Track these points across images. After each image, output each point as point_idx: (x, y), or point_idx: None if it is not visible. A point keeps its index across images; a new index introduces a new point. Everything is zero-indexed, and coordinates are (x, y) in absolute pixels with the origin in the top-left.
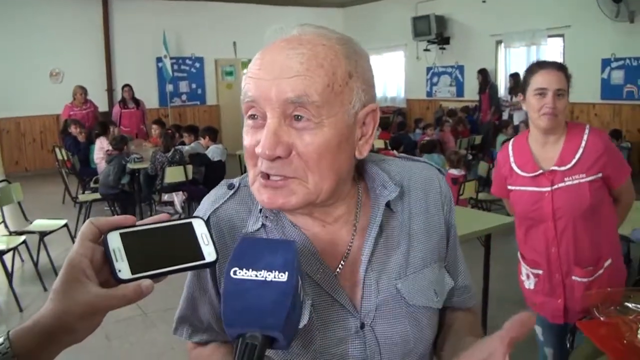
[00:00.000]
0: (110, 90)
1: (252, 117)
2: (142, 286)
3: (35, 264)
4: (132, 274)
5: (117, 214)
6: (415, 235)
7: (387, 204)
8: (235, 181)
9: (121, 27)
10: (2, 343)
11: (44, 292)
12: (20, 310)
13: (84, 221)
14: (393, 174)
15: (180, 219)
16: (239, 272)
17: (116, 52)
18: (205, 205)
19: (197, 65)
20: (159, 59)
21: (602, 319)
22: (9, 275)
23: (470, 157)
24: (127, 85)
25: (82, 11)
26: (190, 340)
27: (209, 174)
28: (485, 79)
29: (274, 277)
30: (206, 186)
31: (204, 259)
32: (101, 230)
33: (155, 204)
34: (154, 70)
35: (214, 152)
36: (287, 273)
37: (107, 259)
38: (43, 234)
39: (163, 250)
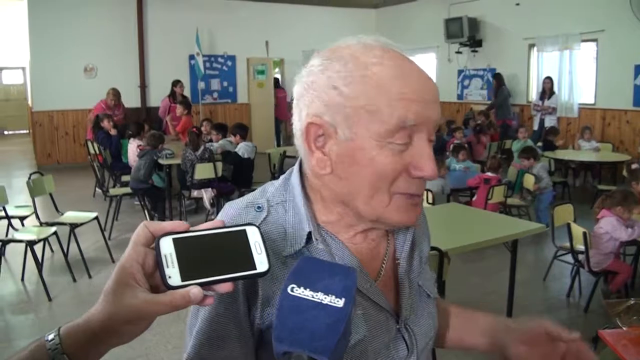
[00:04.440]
0: (142, 87)
1: (401, 142)
2: (190, 293)
3: (65, 255)
4: (182, 280)
5: (147, 209)
6: (419, 236)
7: None
8: (262, 202)
9: (155, 24)
10: (53, 339)
11: (73, 282)
12: (49, 299)
13: (114, 215)
14: None
15: (234, 225)
16: (296, 290)
17: (149, 49)
18: None
19: (229, 63)
20: (191, 57)
21: (624, 328)
22: (39, 265)
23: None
24: (179, 81)
25: (117, 8)
26: None
27: (237, 172)
28: (500, 84)
29: (330, 301)
30: (234, 183)
31: (255, 268)
32: (154, 234)
33: (185, 200)
34: (186, 67)
35: (244, 149)
36: (344, 299)
37: (158, 264)
38: (74, 226)
39: (215, 258)
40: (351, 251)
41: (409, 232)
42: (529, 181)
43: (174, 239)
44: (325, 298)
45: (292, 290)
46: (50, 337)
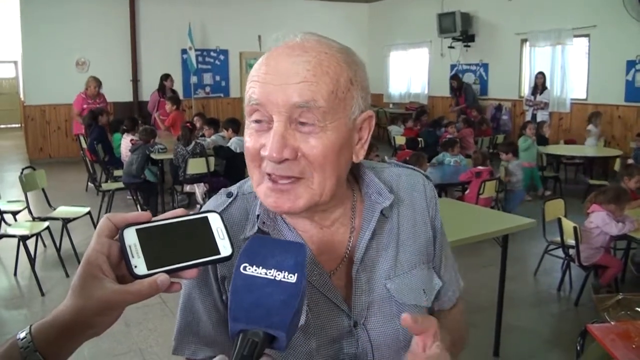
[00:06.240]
0: (135, 81)
1: (256, 120)
2: (157, 281)
3: (58, 250)
4: (148, 269)
5: (140, 203)
6: (403, 238)
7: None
8: (234, 190)
9: (147, 18)
10: (25, 337)
11: (66, 277)
12: (42, 294)
13: (106, 209)
14: (387, 182)
15: (196, 213)
16: (249, 269)
17: (142, 43)
18: None
19: (222, 57)
20: (183, 51)
21: (612, 323)
22: (32, 260)
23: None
24: (169, 75)
25: (110, 1)
26: (194, 358)
27: (229, 166)
28: (460, 83)
29: (283, 277)
30: (227, 178)
31: (219, 253)
32: (117, 226)
33: (177, 194)
34: (178, 61)
35: (236, 143)
36: (296, 275)
37: (123, 255)
38: (66, 221)
39: (179, 245)
40: (304, 239)
41: (368, 230)
42: (502, 172)
43: (137, 230)
44: (278, 275)
45: (244, 269)
46: (22, 335)
